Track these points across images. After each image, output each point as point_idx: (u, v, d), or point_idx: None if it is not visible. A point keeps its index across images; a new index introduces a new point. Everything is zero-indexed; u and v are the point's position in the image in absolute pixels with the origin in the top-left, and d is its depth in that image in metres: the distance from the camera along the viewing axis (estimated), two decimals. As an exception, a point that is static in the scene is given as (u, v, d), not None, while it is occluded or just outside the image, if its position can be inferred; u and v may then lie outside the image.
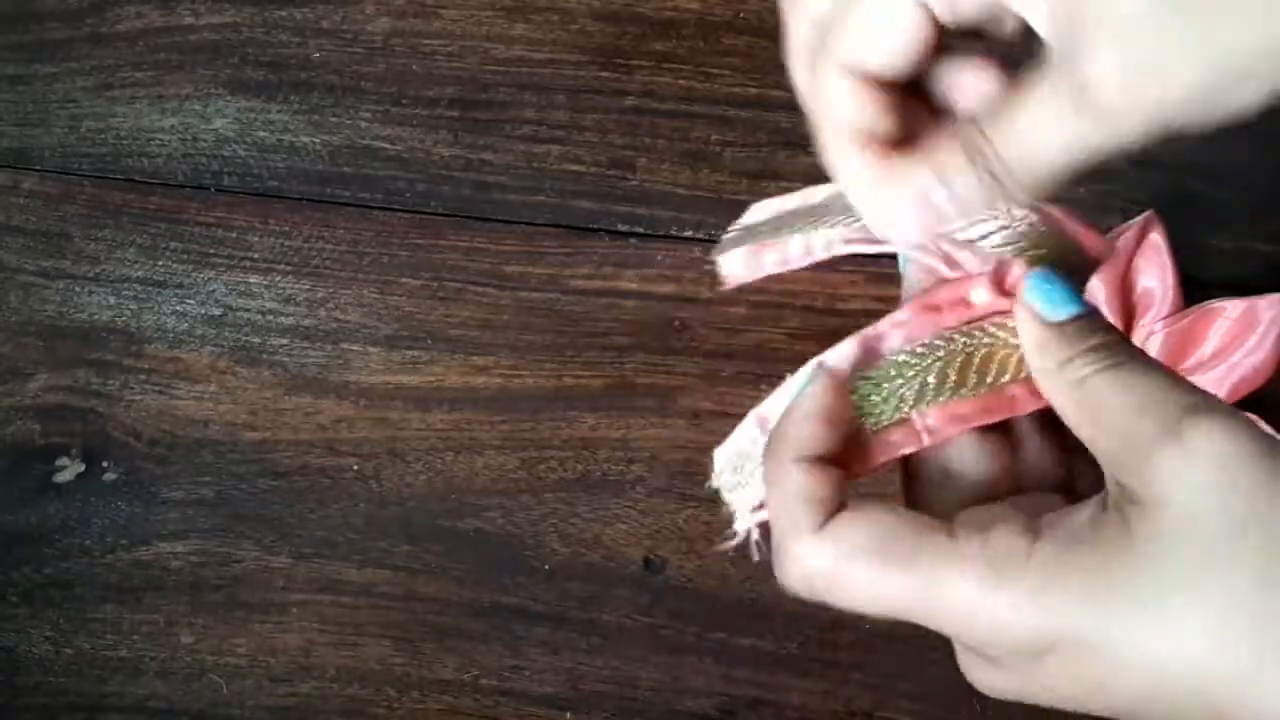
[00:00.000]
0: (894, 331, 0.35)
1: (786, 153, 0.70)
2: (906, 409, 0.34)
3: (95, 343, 0.71)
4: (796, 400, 0.34)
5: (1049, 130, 0.31)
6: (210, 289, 0.71)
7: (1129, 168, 0.66)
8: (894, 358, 0.35)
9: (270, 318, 0.71)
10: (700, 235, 0.69)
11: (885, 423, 0.34)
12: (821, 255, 0.37)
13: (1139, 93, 0.29)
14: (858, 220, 0.36)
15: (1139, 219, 0.63)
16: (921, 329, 0.35)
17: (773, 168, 0.70)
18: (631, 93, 0.72)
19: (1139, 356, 0.32)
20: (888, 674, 0.64)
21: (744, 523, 0.36)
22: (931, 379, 0.35)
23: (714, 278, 0.39)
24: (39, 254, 0.73)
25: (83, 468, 0.70)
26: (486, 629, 0.67)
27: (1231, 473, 0.29)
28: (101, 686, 0.68)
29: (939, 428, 0.34)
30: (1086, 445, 0.32)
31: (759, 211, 0.40)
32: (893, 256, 0.37)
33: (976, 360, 0.35)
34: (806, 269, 0.38)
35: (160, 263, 0.72)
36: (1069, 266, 0.35)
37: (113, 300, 0.72)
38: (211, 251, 0.72)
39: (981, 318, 0.35)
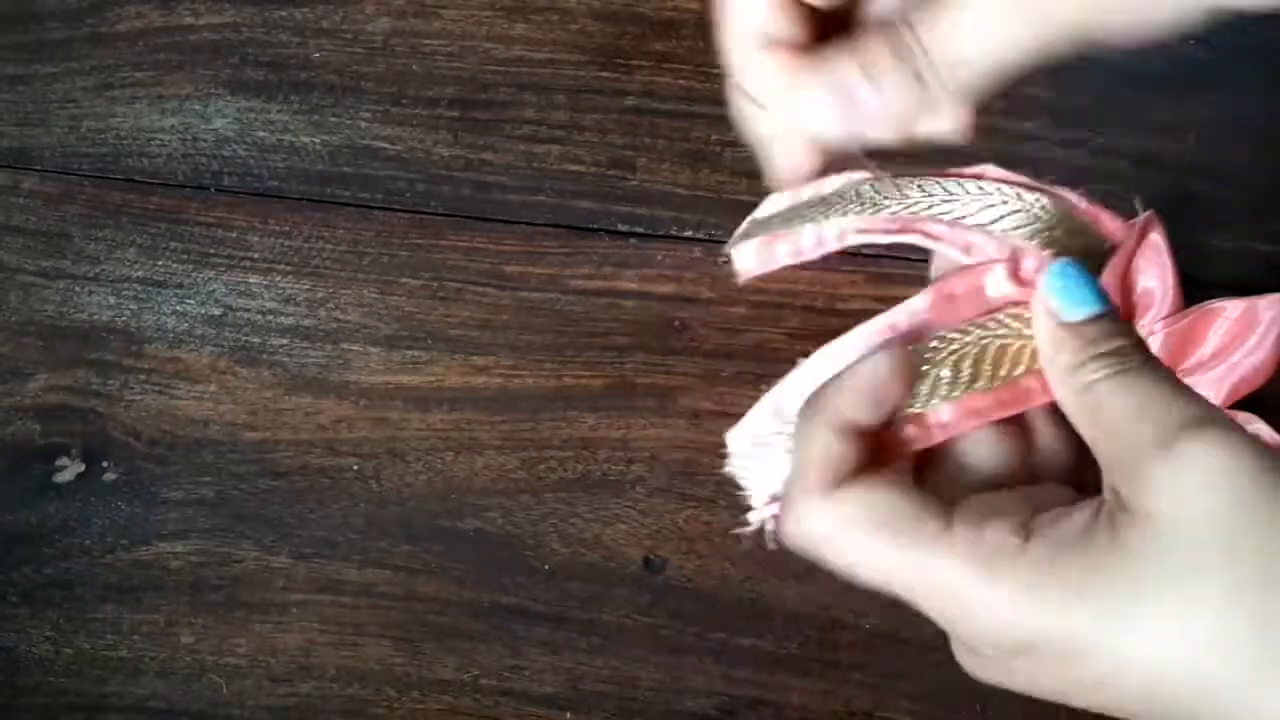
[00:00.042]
0: (912, 323, 0.35)
1: (786, 153, 0.70)
2: (920, 404, 0.34)
3: (95, 343, 0.71)
4: (856, 365, 0.34)
5: (985, 29, 0.31)
6: (210, 289, 0.71)
7: (1129, 167, 0.66)
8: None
9: (270, 318, 0.71)
10: (700, 235, 0.69)
11: (900, 417, 0.34)
12: (834, 245, 0.37)
13: None
14: (870, 209, 0.36)
15: (1139, 219, 0.63)
16: (940, 317, 0.35)
17: (773, 168, 0.70)
18: (631, 93, 0.72)
19: (1150, 363, 0.32)
20: (888, 674, 0.64)
21: (759, 514, 0.36)
22: (946, 373, 0.34)
23: (714, 278, 0.39)
24: (39, 254, 0.73)
25: (83, 468, 0.70)
26: (486, 629, 0.67)
27: (1225, 486, 0.29)
28: (101, 686, 0.68)
29: (953, 423, 0.34)
30: (1089, 445, 0.32)
31: (772, 205, 0.40)
32: (898, 255, 0.37)
33: (991, 353, 0.35)
34: (807, 268, 0.38)
35: (160, 263, 0.72)
36: (1085, 251, 0.35)
37: (113, 300, 0.72)
38: (211, 251, 0.72)
39: (998, 308, 0.35)
